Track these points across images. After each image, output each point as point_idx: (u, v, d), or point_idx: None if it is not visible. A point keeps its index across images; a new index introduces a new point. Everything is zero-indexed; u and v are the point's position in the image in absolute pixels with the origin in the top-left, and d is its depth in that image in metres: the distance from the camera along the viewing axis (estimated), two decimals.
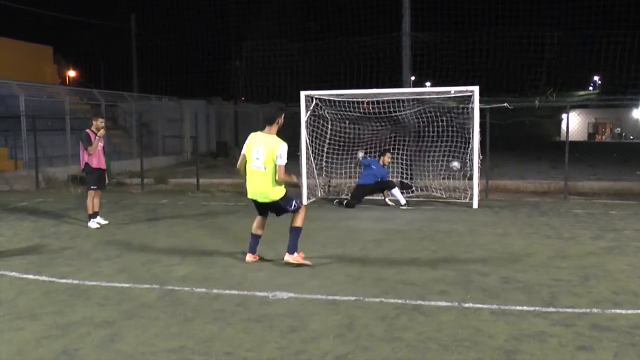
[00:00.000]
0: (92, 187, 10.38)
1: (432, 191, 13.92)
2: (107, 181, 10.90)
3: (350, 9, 22.45)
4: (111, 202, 13.67)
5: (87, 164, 10.31)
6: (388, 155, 13.20)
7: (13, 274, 7.12)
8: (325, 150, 14.34)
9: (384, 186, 12.81)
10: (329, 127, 14.41)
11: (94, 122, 10.47)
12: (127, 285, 6.52)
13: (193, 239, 9.34)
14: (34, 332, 5.05)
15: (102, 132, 10.39)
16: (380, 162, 12.99)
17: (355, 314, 5.47)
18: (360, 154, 13.60)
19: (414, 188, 14.12)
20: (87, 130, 10.40)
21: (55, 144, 21.24)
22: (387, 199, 12.92)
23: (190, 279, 6.75)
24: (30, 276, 6.98)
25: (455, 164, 12.98)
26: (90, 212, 10.42)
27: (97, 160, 10.35)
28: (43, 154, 18.42)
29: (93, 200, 10.42)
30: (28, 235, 9.76)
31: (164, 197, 14.84)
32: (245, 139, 7.65)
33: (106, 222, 10.60)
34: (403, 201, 12.62)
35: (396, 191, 12.76)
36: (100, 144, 10.41)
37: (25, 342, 4.83)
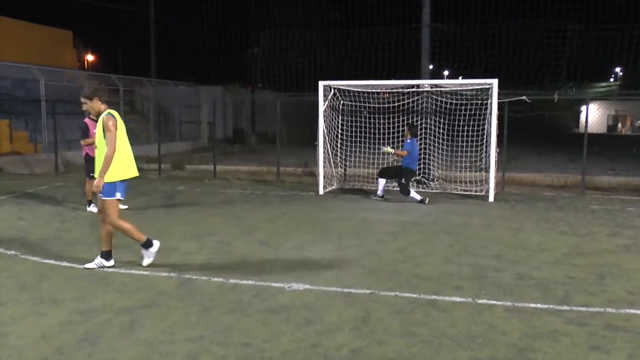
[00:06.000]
0: (91, 174, 10.49)
1: (449, 183, 13.92)
2: None
3: None
4: (129, 187, 13.72)
5: (87, 153, 10.43)
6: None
7: (35, 258, 7.28)
8: (340, 139, 14.38)
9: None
10: (346, 117, 14.44)
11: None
12: (145, 272, 6.63)
13: (210, 227, 9.45)
14: (57, 318, 5.17)
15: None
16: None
17: (370, 307, 5.54)
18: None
19: (429, 183, 14.10)
20: (85, 120, 10.39)
21: (74, 128, 21.44)
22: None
23: (207, 268, 6.86)
24: (52, 261, 7.14)
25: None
26: (89, 198, 10.60)
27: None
28: (62, 138, 18.70)
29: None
30: (49, 220, 9.94)
31: (181, 184, 15.01)
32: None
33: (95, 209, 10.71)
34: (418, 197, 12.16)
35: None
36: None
37: (49, 327, 4.96)
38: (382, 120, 14.32)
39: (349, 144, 14.56)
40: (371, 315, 5.31)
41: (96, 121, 10.42)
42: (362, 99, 14.22)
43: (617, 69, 50.91)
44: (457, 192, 13.49)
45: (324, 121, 13.66)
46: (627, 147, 23.94)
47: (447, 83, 13.65)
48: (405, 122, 14.13)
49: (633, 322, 5.20)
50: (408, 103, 13.86)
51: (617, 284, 6.40)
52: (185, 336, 4.79)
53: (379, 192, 12.47)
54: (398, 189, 12.27)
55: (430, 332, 4.91)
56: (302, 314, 5.32)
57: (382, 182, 12.46)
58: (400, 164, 12.32)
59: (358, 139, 14.58)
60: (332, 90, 13.86)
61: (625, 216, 10.85)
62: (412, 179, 12.68)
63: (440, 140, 14.05)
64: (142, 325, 5.02)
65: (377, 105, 14.37)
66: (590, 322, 5.18)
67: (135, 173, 7.10)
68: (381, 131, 14.29)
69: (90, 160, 10.47)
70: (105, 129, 6.61)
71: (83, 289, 5.99)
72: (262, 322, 5.13)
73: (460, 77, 21.08)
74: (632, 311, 5.50)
